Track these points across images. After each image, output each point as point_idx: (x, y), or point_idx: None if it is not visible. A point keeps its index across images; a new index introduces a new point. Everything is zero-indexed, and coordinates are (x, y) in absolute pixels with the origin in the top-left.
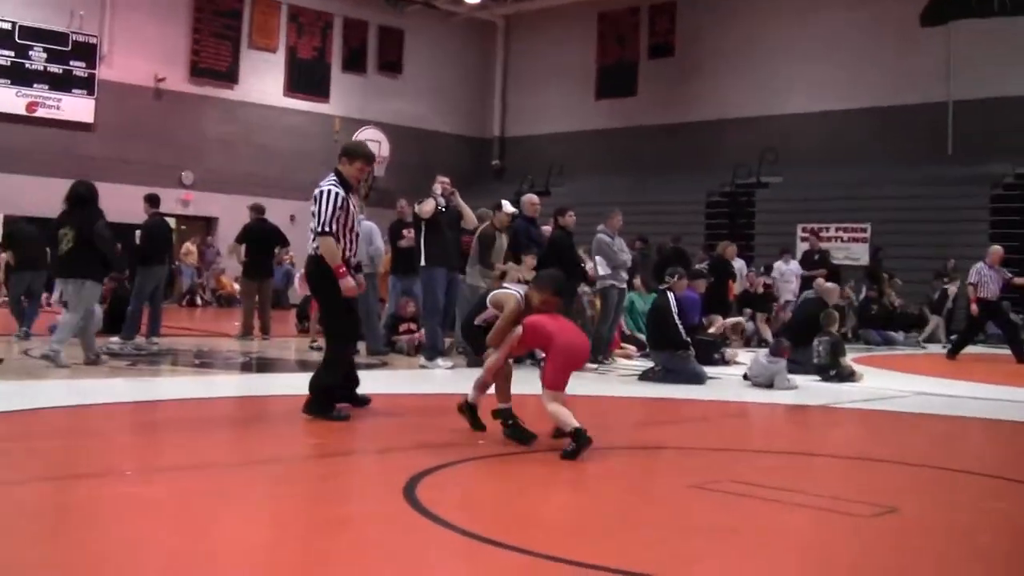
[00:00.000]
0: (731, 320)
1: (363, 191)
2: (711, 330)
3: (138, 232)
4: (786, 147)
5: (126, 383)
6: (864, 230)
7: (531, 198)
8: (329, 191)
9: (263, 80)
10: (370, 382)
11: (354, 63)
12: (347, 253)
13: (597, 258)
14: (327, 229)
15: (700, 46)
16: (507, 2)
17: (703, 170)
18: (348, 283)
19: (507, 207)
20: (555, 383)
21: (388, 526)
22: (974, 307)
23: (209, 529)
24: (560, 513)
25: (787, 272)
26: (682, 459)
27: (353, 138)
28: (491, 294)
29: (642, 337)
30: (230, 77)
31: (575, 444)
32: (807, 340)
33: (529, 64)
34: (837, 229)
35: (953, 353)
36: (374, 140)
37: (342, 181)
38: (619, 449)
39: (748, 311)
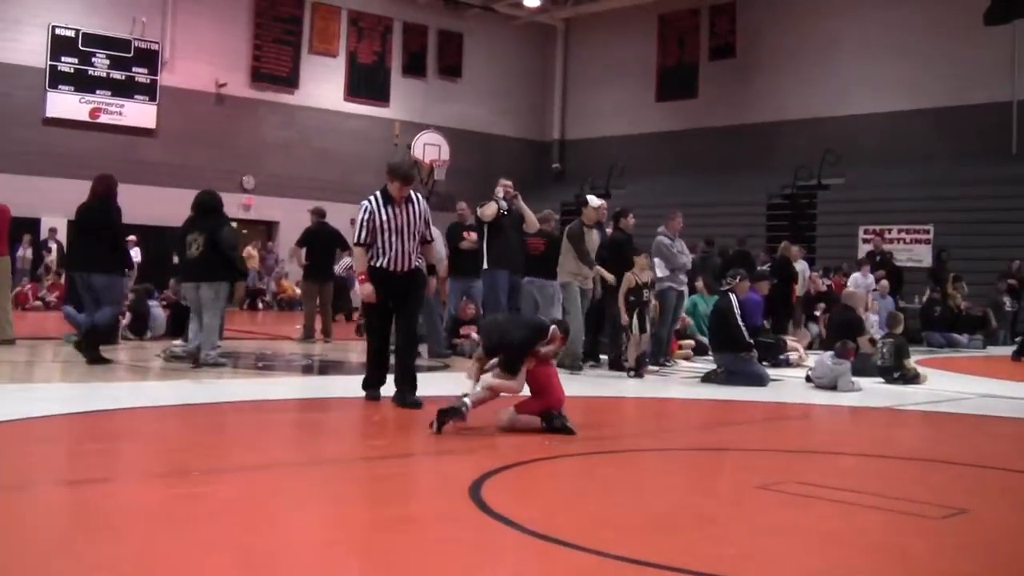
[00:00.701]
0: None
1: (423, 193)
2: (792, 344)
3: None
4: (848, 148)
5: (190, 385)
6: (927, 231)
7: (599, 202)
8: (361, 206)
9: (323, 85)
10: (431, 384)
11: (414, 67)
12: (383, 259)
13: (656, 260)
14: (356, 241)
15: (761, 47)
16: (566, 5)
17: (764, 171)
18: (365, 289)
19: (594, 201)
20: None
21: (455, 526)
22: None
23: (277, 528)
24: (626, 513)
25: (863, 285)
26: (747, 460)
27: (413, 141)
28: (555, 327)
29: (704, 339)
30: (290, 82)
31: (556, 423)
32: None
33: (589, 67)
34: (900, 231)
35: (1019, 355)
36: (434, 144)
37: (384, 195)
38: (684, 450)
39: (823, 306)
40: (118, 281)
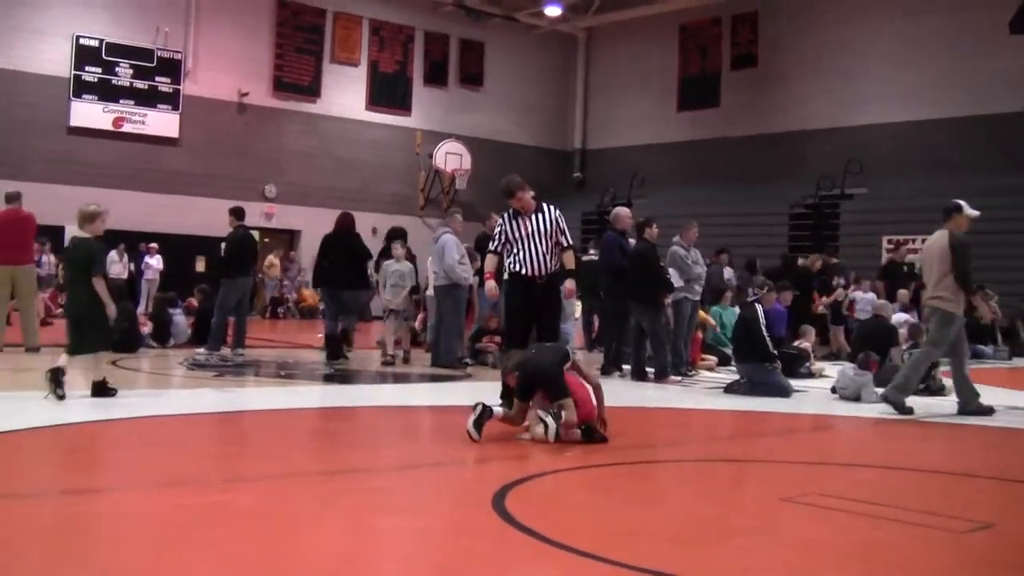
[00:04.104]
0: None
1: (444, 203)
2: (802, 344)
3: (222, 245)
4: (871, 157)
5: (212, 394)
6: None
7: (625, 211)
8: (498, 222)
9: (345, 94)
10: (450, 393)
11: (435, 76)
12: (521, 266)
13: (671, 270)
14: (490, 249)
15: (783, 56)
16: (588, 15)
17: (786, 181)
18: (488, 287)
19: (969, 210)
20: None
21: (478, 536)
22: None
23: (298, 538)
24: (650, 524)
25: (863, 301)
26: (771, 472)
27: (435, 151)
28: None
29: (727, 351)
30: (312, 91)
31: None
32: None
33: (610, 76)
34: (922, 241)
35: None
36: (455, 153)
37: (513, 210)
38: (707, 461)
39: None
40: (362, 294)
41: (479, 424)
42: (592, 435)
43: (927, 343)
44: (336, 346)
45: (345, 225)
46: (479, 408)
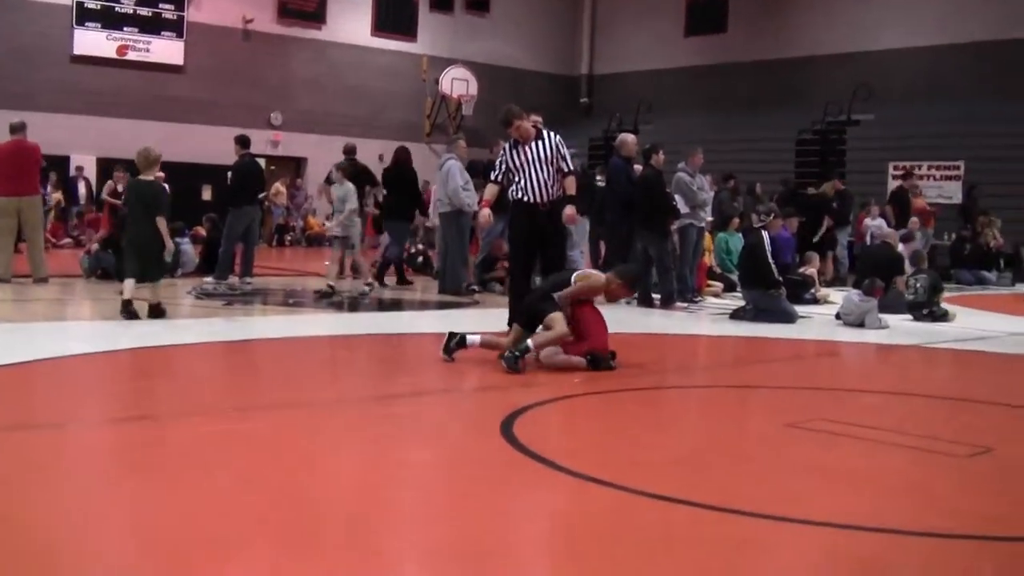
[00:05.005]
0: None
1: (451, 129)
2: (807, 270)
3: (229, 173)
4: (880, 84)
5: (221, 323)
6: (957, 168)
7: (631, 138)
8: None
9: (351, 20)
10: (458, 321)
11: (442, 1)
12: (524, 194)
13: (677, 197)
14: (491, 178)
15: None
16: None
17: (793, 107)
18: (481, 214)
19: None
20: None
21: (488, 462)
22: None
23: (314, 466)
24: (657, 450)
25: (873, 228)
26: (776, 398)
27: (441, 77)
28: (578, 273)
29: (733, 277)
30: (318, 17)
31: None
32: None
33: (618, 1)
34: (929, 167)
35: None
36: (462, 79)
37: (515, 139)
38: (712, 388)
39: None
40: (406, 225)
41: (448, 349)
42: (599, 364)
43: None
44: (403, 271)
45: (402, 159)
46: (447, 335)
